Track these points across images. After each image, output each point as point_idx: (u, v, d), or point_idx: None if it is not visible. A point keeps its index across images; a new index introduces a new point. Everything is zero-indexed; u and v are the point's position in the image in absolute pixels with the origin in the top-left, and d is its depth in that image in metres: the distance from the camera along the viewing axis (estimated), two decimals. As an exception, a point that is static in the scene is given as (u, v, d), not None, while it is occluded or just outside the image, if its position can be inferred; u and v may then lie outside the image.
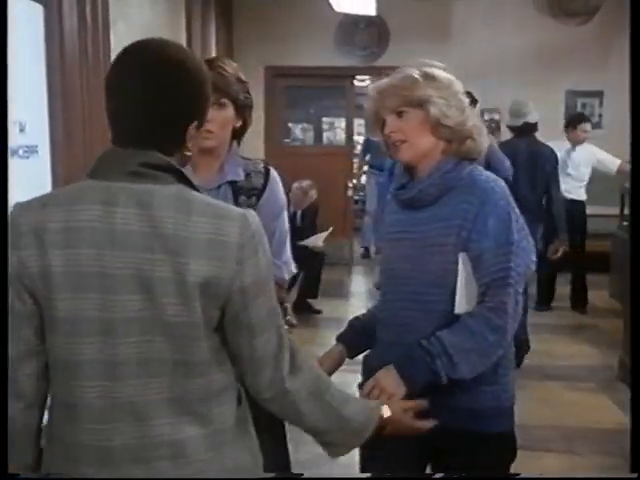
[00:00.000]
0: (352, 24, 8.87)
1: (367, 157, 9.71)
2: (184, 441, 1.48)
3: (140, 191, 1.44)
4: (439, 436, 1.93)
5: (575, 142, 6.81)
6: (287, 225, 2.48)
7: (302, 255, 6.49)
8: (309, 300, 6.99)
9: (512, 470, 3.72)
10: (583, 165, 6.81)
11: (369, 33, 8.95)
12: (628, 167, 1.94)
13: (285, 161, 8.75)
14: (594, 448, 4.03)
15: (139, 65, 1.48)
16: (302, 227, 6.97)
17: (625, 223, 6.60)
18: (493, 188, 2.00)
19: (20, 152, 3.15)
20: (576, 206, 6.71)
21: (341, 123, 9.64)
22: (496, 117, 8.38)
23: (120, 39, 4.37)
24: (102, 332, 1.44)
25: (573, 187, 6.77)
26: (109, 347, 1.44)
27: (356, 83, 9.88)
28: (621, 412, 4.35)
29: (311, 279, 6.84)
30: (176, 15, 6.29)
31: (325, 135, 9.80)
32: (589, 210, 6.91)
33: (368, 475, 2.19)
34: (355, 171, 10.04)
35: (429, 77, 2.02)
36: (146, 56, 1.49)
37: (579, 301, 6.99)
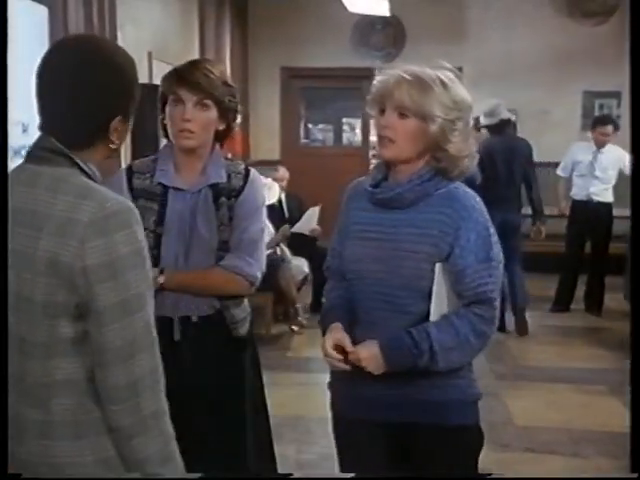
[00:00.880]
0: (368, 25, 8.86)
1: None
2: (22, 421, 1.51)
3: (33, 172, 1.52)
4: (407, 430, 2.03)
5: (598, 144, 6.74)
6: (262, 227, 2.45)
7: (306, 252, 6.49)
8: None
9: (515, 472, 3.74)
10: (610, 168, 6.73)
11: (385, 34, 8.94)
12: None
13: (301, 161, 8.78)
14: (601, 451, 3.99)
15: (63, 58, 1.56)
16: (290, 219, 6.90)
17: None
18: (473, 205, 2.03)
19: (22, 152, 3.15)
20: (603, 208, 6.67)
21: (359, 124, 9.64)
22: (513, 118, 8.33)
23: (128, 41, 4.41)
24: (8, 305, 1.49)
25: (600, 189, 6.73)
26: (8, 318, 1.50)
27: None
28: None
29: (323, 279, 6.81)
30: (189, 16, 6.32)
31: (345, 136, 9.81)
32: (615, 212, 6.82)
33: (367, 475, 2.20)
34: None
35: (445, 89, 1.98)
36: (72, 50, 1.58)
37: (594, 303, 6.93)
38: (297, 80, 9.21)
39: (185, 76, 2.32)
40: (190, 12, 6.36)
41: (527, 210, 6.41)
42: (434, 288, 1.99)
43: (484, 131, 6.48)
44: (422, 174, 2.02)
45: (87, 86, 1.53)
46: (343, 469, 2.21)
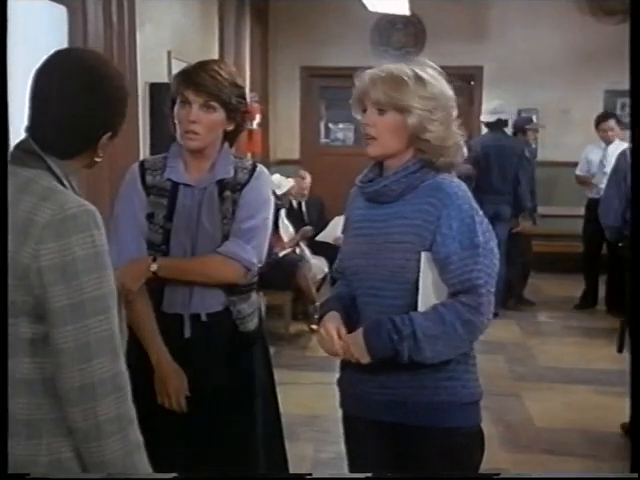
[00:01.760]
0: (388, 24, 8.84)
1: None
2: None
3: (11, 172, 1.52)
4: (400, 431, 2.05)
5: (605, 141, 6.80)
6: (266, 218, 2.44)
7: (327, 252, 6.49)
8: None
9: (533, 473, 3.71)
10: None
11: (405, 33, 8.92)
12: None
13: (321, 161, 8.78)
14: (618, 453, 3.96)
15: (59, 72, 1.59)
16: (310, 222, 6.92)
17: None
18: (457, 193, 2.04)
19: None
20: None
21: (379, 123, 9.60)
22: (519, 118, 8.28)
23: (147, 40, 4.43)
24: None
25: None
26: None
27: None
28: (650, 417, 4.27)
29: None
30: (208, 15, 6.33)
31: (365, 135, 9.76)
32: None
33: (370, 475, 2.20)
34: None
35: (421, 83, 2.03)
36: (67, 65, 1.60)
37: (616, 303, 6.87)
38: (317, 79, 9.20)
39: (191, 78, 2.33)
40: (210, 11, 6.36)
41: (547, 210, 6.41)
42: (420, 279, 1.99)
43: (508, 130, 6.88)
44: (408, 166, 2.05)
45: (82, 104, 1.57)
46: (349, 466, 2.25)
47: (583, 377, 5.18)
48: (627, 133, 6.86)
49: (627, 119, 7.18)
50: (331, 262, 6.63)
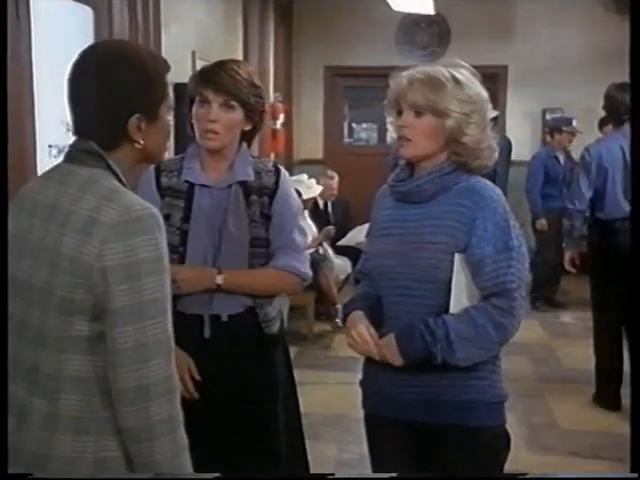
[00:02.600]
0: (413, 23, 8.82)
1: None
2: (28, 410, 1.55)
3: (66, 170, 1.58)
4: (427, 430, 2.05)
5: None
6: (305, 223, 2.51)
7: (351, 253, 6.48)
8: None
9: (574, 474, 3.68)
10: None
11: (430, 32, 8.89)
12: None
13: (344, 161, 8.77)
14: (647, 456, 3.91)
15: (83, 61, 1.59)
16: (335, 222, 6.92)
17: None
18: (491, 196, 2.04)
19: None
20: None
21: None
22: (558, 117, 8.23)
23: (172, 41, 4.45)
24: (13, 289, 1.58)
25: None
26: (11, 303, 1.58)
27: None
28: (677, 420, 4.21)
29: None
30: (233, 15, 6.34)
31: (389, 135, 9.73)
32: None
33: (394, 475, 2.20)
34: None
35: (458, 86, 2.03)
36: (91, 53, 1.62)
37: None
38: (341, 79, 9.20)
39: (210, 77, 2.33)
40: (234, 11, 6.38)
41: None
42: (453, 280, 1.99)
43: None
44: (442, 167, 2.06)
45: (101, 85, 1.56)
46: (372, 466, 2.25)
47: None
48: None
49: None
50: (355, 263, 6.66)
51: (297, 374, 2.68)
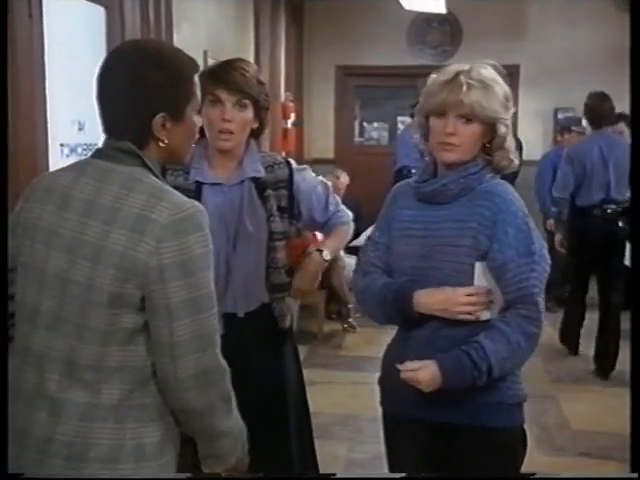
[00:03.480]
0: (424, 23, 8.80)
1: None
2: (62, 402, 1.57)
3: (102, 167, 1.60)
4: (446, 430, 2.05)
5: None
6: (329, 191, 2.62)
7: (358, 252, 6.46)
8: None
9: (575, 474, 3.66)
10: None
11: (441, 32, 8.86)
12: None
13: (355, 160, 8.77)
14: (659, 458, 3.89)
15: (110, 61, 1.64)
16: None
17: None
18: (512, 199, 2.04)
19: (79, 150, 3.24)
20: None
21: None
22: (570, 116, 8.20)
23: (184, 40, 4.45)
24: (38, 282, 1.60)
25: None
26: (37, 295, 1.59)
27: (430, 82, 9.80)
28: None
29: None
30: (244, 15, 6.35)
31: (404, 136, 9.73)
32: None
33: (404, 475, 2.20)
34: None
35: (501, 89, 2.03)
36: (121, 53, 1.66)
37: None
38: (352, 78, 9.19)
39: (223, 76, 2.34)
40: (245, 10, 6.38)
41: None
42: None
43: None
44: (468, 167, 2.04)
45: (127, 83, 1.59)
46: (389, 464, 2.25)
47: (621, 379, 5.10)
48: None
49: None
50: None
51: (308, 374, 2.69)
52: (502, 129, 2.01)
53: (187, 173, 2.39)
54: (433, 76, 2.08)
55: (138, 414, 1.60)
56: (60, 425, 1.57)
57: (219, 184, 2.38)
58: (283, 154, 6.90)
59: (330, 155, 9.05)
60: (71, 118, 3.25)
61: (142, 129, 1.61)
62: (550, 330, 6.30)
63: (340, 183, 7.09)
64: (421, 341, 2.06)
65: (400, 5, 7.43)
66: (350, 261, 6.48)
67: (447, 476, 2.12)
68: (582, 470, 3.79)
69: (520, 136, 8.19)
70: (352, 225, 2.68)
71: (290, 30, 7.73)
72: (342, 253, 6.45)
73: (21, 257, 1.63)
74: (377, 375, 2.27)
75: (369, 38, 8.67)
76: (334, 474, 1.98)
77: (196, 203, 1.59)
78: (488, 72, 2.03)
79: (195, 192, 2.37)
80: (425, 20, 8.75)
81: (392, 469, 2.23)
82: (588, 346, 5.65)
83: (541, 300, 1.99)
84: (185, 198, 1.60)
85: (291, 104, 7.46)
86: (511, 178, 2.23)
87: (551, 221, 6.86)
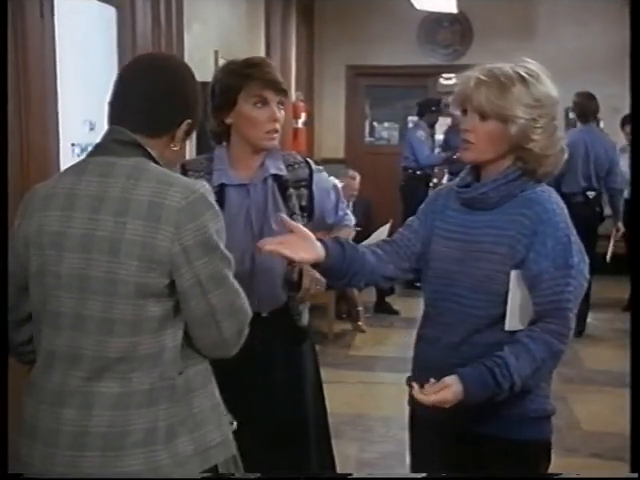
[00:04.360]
0: (435, 22, 8.80)
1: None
2: (92, 395, 1.59)
3: (104, 162, 1.63)
4: (468, 439, 2.00)
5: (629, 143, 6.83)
6: (340, 194, 2.66)
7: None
8: (388, 300, 6.96)
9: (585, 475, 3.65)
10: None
11: (452, 31, 8.87)
12: None
13: (365, 160, 8.76)
14: (670, 459, 3.88)
15: (144, 67, 1.72)
16: (357, 223, 6.90)
17: None
18: (554, 209, 1.96)
19: (89, 149, 3.24)
20: None
21: (425, 122, 9.53)
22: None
23: (195, 40, 4.46)
24: (54, 286, 1.61)
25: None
26: (56, 299, 1.61)
27: (442, 82, 9.76)
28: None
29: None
30: (255, 15, 6.36)
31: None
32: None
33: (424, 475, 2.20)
34: (436, 170, 9.93)
35: (525, 87, 1.92)
36: (152, 62, 1.77)
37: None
38: (362, 78, 9.19)
39: (267, 76, 2.33)
40: (256, 10, 6.39)
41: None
42: (509, 297, 1.93)
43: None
44: (507, 174, 1.97)
45: (168, 85, 1.69)
46: (412, 465, 2.23)
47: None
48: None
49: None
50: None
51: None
52: (514, 129, 1.92)
53: (209, 174, 2.38)
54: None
55: (169, 394, 1.63)
56: (93, 418, 1.59)
57: (244, 185, 2.39)
58: (294, 153, 6.90)
59: (340, 155, 9.05)
60: (82, 118, 3.27)
61: (169, 128, 1.70)
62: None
63: (355, 184, 7.08)
64: (448, 346, 2.02)
65: (411, 4, 7.43)
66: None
67: (467, 476, 2.10)
68: (592, 471, 3.78)
69: (531, 136, 8.20)
70: (353, 233, 2.74)
71: (301, 30, 7.74)
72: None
73: (32, 268, 1.64)
74: (387, 375, 2.26)
75: (380, 38, 8.67)
76: (351, 474, 1.97)
77: (202, 182, 1.67)
78: (511, 71, 1.93)
79: (217, 194, 2.37)
80: (436, 20, 8.75)
81: (414, 469, 2.21)
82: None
83: (572, 316, 1.92)
84: (191, 180, 1.68)
85: (302, 104, 7.47)
86: (555, 182, 2.17)
87: None
